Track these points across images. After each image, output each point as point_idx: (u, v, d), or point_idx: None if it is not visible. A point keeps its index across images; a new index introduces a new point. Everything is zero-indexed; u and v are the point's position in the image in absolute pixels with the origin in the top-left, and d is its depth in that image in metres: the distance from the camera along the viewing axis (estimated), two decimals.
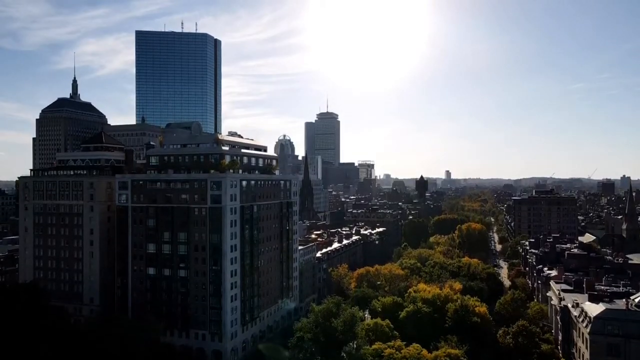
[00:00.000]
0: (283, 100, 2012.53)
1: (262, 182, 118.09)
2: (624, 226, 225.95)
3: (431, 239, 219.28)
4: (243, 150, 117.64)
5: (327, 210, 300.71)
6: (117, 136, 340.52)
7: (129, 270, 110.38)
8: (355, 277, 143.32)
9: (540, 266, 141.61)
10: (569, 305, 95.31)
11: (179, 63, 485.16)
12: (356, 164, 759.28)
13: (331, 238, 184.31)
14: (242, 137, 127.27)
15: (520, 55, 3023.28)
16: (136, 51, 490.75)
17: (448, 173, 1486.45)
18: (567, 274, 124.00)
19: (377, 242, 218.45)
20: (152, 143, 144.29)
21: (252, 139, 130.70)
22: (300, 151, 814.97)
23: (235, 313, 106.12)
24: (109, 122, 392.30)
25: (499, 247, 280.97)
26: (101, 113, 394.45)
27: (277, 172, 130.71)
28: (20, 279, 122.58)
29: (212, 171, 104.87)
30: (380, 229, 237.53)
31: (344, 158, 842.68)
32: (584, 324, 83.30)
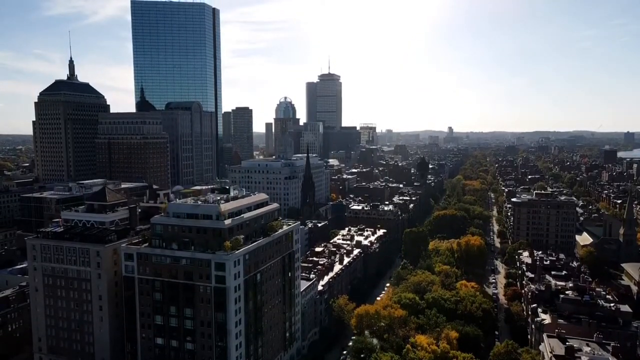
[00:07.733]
0: (283, 49, 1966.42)
1: (265, 247, 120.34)
2: (622, 231, 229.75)
3: (430, 246, 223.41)
4: (245, 216, 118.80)
5: (329, 203, 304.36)
6: (116, 124, 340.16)
7: (138, 338, 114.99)
8: (355, 315, 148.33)
9: (535, 305, 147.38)
10: None
11: (177, 35, 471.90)
12: (358, 128, 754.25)
13: (332, 258, 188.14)
14: (244, 196, 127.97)
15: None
16: (132, 23, 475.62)
17: (450, 129, 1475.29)
18: (560, 321, 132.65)
19: (377, 250, 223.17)
20: (154, 186, 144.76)
21: (254, 195, 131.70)
22: (301, 114, 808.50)
23: None
24: (107, 103, 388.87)
25: (497, 241, 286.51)
26: (99, 93, 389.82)
27: (280, 226, 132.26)
28: (34, 336, 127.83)
29: (216, 252, 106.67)
30: (381, 232, 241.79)
31: (346, 121, 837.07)
32: None
